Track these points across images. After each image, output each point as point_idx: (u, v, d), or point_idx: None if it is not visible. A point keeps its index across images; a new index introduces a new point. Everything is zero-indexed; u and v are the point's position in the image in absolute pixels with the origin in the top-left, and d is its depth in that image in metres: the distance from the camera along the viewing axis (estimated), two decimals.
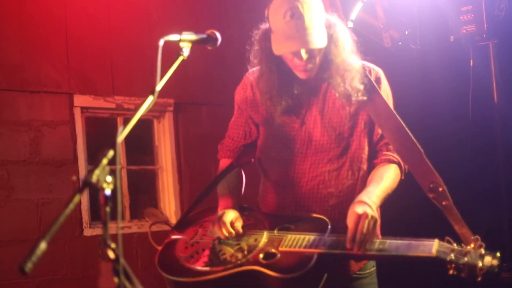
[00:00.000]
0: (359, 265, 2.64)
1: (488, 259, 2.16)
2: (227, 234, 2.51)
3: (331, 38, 2.55)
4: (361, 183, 2.63)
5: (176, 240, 2.66)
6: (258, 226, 2.59)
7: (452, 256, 2.18)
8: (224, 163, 2.85)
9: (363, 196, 2.45)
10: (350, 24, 4.43)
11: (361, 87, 2.57)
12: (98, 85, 5.60)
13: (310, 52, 2.51)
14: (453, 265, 2.18)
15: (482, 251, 2.19)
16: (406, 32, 4.49)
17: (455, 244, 2.23)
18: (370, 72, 2.67)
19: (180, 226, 2.75)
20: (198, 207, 2.81)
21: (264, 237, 2.50)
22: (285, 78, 2.63)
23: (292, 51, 2.51)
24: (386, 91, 2.70)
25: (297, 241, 2.40)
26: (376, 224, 2.36)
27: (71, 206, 1.59)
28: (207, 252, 2.53)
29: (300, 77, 2.60)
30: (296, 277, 2.28)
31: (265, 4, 2.62)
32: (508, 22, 4.21)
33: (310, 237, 2.40)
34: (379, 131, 2.66)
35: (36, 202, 5.18)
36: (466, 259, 2.16)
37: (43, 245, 1.48)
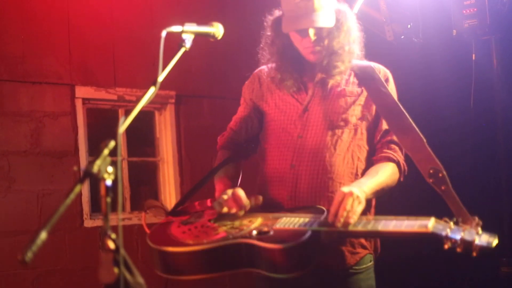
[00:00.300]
0: (355, 258, 2.62)
1: (485, 237, 2.14)
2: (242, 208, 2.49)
3: (337, 22, 2.62)
4: (361, 174, 2.64)
5: (169, 222, 2.63)
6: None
7: (448, 231, 2.16)
8: (222, 154, 2.84)
9: (353, 184, 2.48)
10: None
11: (342, 68, 2.63)
12: (100, 77, 5.60)
13: (318, 34, 2.59)
14: (448, 241, 2.15)
15: (479, 230, 2.18)
16: (409, 26, 4.48)
17: (451, 223, 2.22)
18: (379, 71, 2.73)
19: (174, 214, 2.72)
20: (193, 198, 2.79)
21: (259, 220, 2.48)
22: (295, 61, 2.70)
23: (300, 28, 2.58)
24: (392, 91, 2.73)
25: (292, 221, 2.40)
26: (361, 204, 2.35)
27: (72, 196, 1.59)
28: (199, 229, 2.49)
29: (309, 59, 2.66)
30: (286, 249, 2.23)
31: None
32: (511, 16, 4.20)
33: (305, 219, 2.39)
34: (383, 127, 2.68)
35: (36, 193, 5.18)
36: (462, 234, 2.15)
37: (43, 235, 1.48)
